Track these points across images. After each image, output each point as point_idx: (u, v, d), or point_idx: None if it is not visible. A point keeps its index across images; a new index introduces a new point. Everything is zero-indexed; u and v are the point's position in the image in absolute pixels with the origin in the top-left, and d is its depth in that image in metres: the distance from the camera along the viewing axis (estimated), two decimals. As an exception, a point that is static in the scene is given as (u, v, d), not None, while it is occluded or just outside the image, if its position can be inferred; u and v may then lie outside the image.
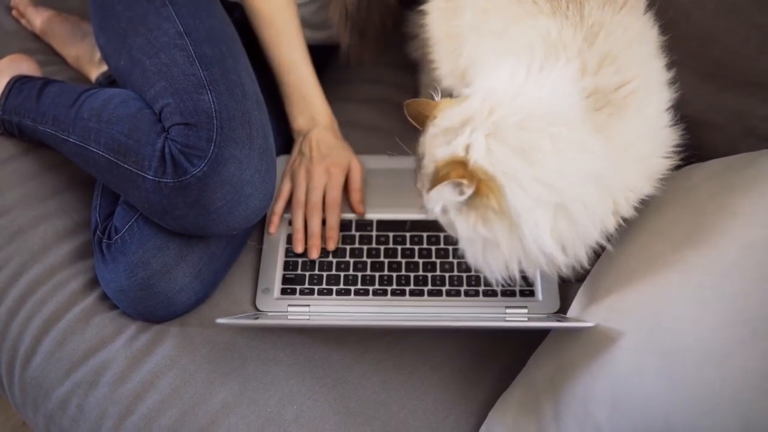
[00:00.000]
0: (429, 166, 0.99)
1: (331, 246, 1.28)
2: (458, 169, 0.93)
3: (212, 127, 1.14)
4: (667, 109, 1.06)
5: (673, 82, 1.08)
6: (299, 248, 1.28)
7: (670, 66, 1.09)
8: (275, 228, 1.30)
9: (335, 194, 1.30)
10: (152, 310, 1.20)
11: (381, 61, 1.57)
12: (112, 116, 1.20)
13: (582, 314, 1.08)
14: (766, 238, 0.93)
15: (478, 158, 0.93)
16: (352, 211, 1.32)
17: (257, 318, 1.11)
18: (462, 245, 1.02)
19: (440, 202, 0.98)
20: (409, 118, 0.99)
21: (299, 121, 1.37)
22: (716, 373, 0.85)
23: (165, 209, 1.15)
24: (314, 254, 1.27)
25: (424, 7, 1.29)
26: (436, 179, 0.95)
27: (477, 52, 1.13)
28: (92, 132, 1.21)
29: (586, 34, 1.01)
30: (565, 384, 1.01)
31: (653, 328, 0.94)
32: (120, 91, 1.26)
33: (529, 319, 1.19)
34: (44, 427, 1.22)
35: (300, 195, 1.31)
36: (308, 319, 1.18)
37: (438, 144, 0.98)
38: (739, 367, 0.84)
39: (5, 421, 1.65)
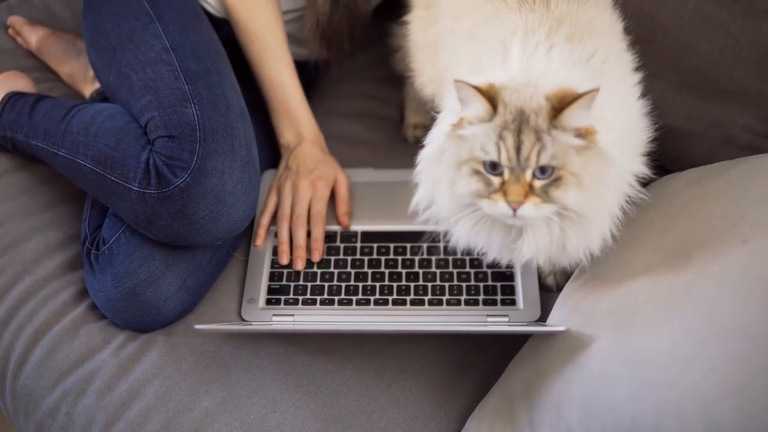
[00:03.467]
0: (539, 107, 0.94)
1: (316, 257, 1.30)
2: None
3: (195, 139, 1.16)
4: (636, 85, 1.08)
5: (649, 90, 1.10)
6: (284, 260, 1.30)
7: (648, 76, 1.11)
8: (261, 241, 1.32)
9: (320, 207, 1.32)
10: (139, 319, 1.22)
11: (365, 75, 1.61)
12: (99, 130, 1.23)
13: (560, 321, 1.09)
14: (733, 244, 0.95)
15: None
16: (338, 223, 1.34)
17: (235, 324, 1.14)
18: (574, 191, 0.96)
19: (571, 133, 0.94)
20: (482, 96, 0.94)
21: (286, 136, 1.40)
22: (680, 374, 0.86)
23: (150, 220, 1.17)
24: (299, 265, 1.29)
25: (406, 17, 1.32)
26: (569, 100, 0.92)
27: (452, 56, 1.14)
28: (80, 145, 1.24)
29: (551, 23, 1.04)
30: (539, 389, 1.02)
31: (623, 331, 0.96)
32: (108, 106, 1.29)
33: (530, 326, 1.20)
34: (35, 436, 1.24)
35: (285, 208, 1.33)
36: (285, 325, 1.21)
37: (530, 92, 0.95)
38: (703, 368, 0.85)
39: (2, 433, 1.68)
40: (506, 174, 0.94)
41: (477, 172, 0.96)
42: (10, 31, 1.65)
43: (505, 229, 1.01)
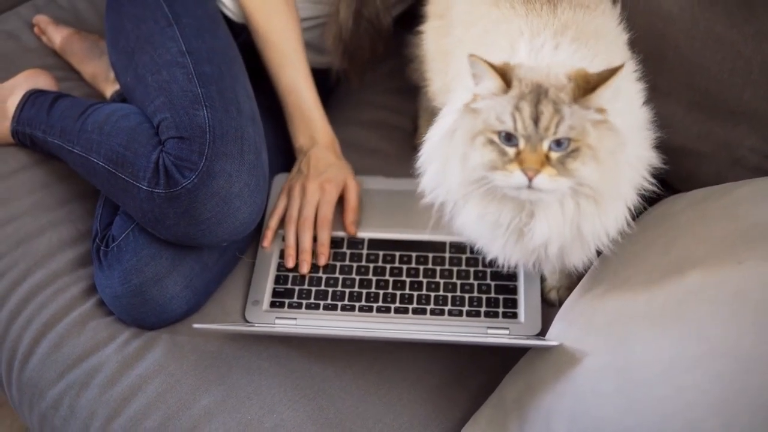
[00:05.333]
0: (561, 84, 0.95)
1: (322, 261, 1.31)
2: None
3: (204, 141, 1.18)
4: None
5: (659, 109, 1.11)
6: (290, 263, 1.31)
7: (658, 95, 1.11)
8: (269, 243, 1.34)
9: (326, 210, 1.34)
10: (145, 316, 1.24)
11: (382, 85, 1.62)
12: (113, 129, 1.26)
13: (558, 335, 1.10)
14: (729, 265, 0.95)
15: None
16: (345, 230, 1.36)
17: (232, 325, 1.15)
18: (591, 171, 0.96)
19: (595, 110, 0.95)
20: (495, 72, 0.95)
21: (300, 140, 1.41)
22: (669, 392, 0.87)
23: (157, 219, 1.19)
24: (305, 269, 1.30)
25: (421, 27, 1.33)
26: (600, 79, 0.94)
27: (460, 64, 1.15)
28: (94, 143, 1.27)
29: (558, 27, 1.05)
30: (531, 402, 1.03)
31: (615, 348, 0.96)
32: (123, 106, 1.32)
33: (525, 339, 1.20)
34: (39, 426, 1.26)
35: (293, 211, 1.34)
36: (281, 327, 1.22)
37: (546, 71, 0.97)
38: (692, 387, 0.85)
39: (11, 424, 1.70)
40: (522, 143, 0.94)
41: (491, 143, 0.95)
42: (36, 29, 1.68)
43: (515, 208, 1.00)
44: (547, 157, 0.94)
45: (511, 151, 0.95)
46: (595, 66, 0.99)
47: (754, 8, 1.16)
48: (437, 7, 1.30)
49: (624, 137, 0.97)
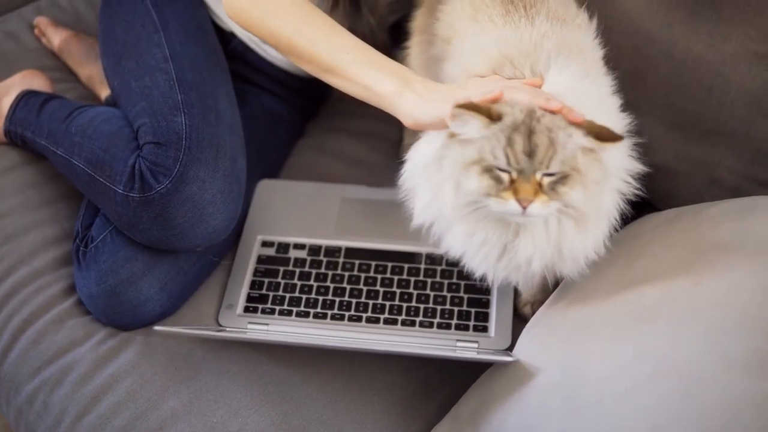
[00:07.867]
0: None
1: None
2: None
3: (180, 147, 1.20)
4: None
5: (639, 128, 1.10)
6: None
7: (638, 114, 1.11)
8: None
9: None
10: (120, 317, 1.26)
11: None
12: (94, 132, 1.28)
13: (521, 350, 1.10)
14: (685, 286, 0.95)
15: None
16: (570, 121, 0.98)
17: (193, 328, 1.17)
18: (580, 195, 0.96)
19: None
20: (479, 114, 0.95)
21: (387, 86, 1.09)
22: (611, 411, 0.87)
23: (131, 222, 1.21)
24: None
25: (407, 43, 1.34)
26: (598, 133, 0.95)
27: (439, 78, 1.17)
28: (76, 146, 1.29)
29: (536, 39, 1.06)
30: (484, 417, 1.03)
31: (567, 365, 0.96)
32: (107, 110, 1.34)
33: (479, 353, 1.20)
34: (15, 421, 1.29)
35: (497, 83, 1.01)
36: (243, 333, 1.23)
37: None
38: (634, 407, 0.86)
39: (-2, 419, 1.73)
40: (515, 174, 0.95)
41: (486, 170, 0.96)
42: (36, 31, 1.70)
43: (503, 226, 1.00)
44: (540, 184, 0.95)
45: (505, 177, 0.95)
46: (568, 73, 1.02)
47: (732, 28, 1.15)
48: (420, 23, 1.31)
49: (610, 170, 0.98)
